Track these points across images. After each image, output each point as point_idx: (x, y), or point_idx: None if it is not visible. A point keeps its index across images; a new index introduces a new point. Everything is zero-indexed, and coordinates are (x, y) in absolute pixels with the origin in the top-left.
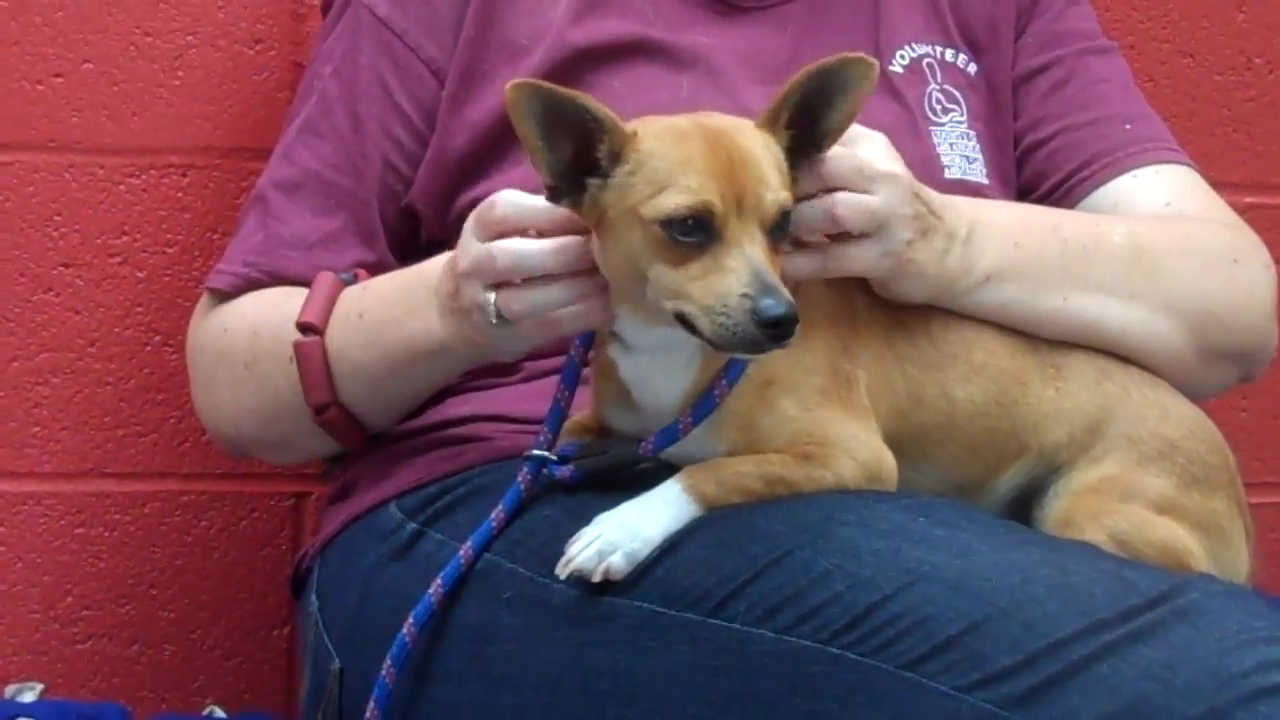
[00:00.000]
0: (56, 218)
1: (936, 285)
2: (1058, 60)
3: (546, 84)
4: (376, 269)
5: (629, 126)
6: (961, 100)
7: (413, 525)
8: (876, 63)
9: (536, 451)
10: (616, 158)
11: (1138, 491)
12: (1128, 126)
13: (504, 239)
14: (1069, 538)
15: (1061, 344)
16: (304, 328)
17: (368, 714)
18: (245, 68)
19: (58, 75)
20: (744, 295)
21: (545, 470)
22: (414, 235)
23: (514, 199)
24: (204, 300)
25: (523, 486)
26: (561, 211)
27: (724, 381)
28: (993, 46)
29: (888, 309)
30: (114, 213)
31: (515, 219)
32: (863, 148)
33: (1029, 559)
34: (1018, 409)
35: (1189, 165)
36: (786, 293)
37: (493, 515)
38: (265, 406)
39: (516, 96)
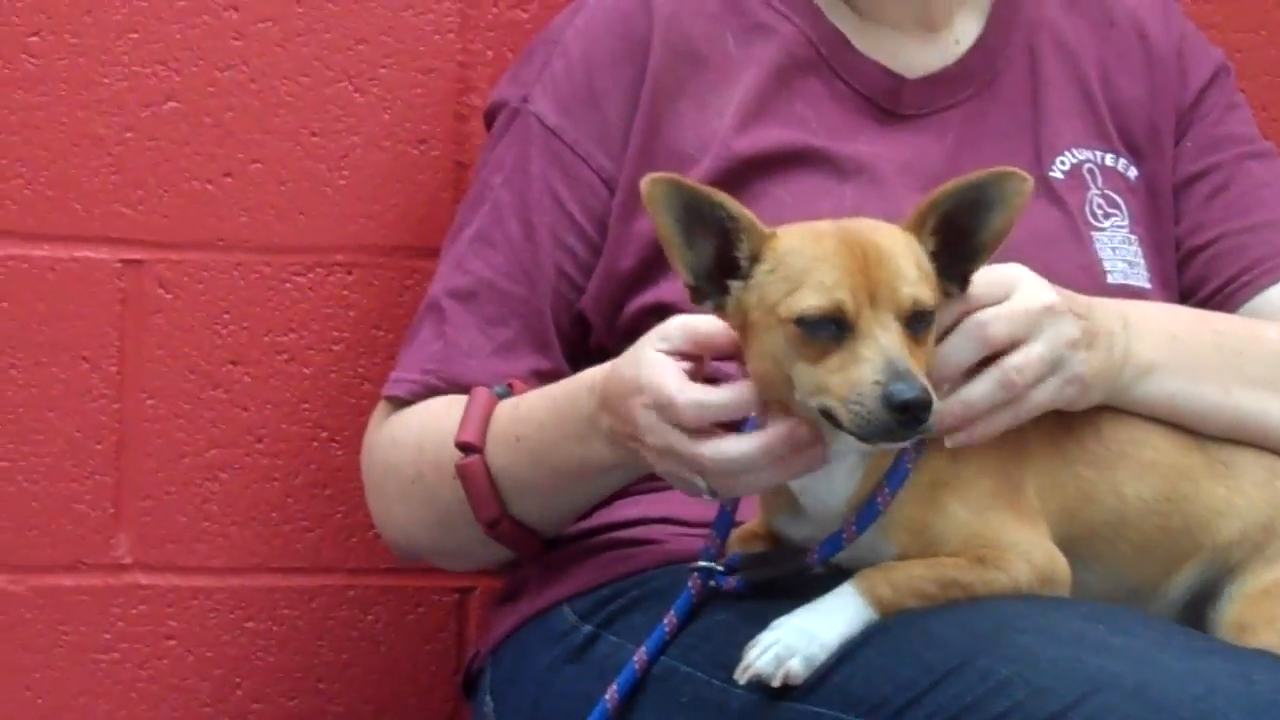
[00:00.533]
0: (225, 315)
1: (1106, 385)
2: (1218, 165)
3: (684, 179)
4: (552, 377)
5: (769, 229)
6: (1123, 205)
7: (588, 628)
8: (1030, 179)
9: (703, 562)
10: (756, 258)
11: None
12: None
13: (708, 439)
14: (1247, 644)
15: (1228, 442)
16: (463, 446)
17: None
18: (409, 168)
19: (227, 175)
20: (876, 382)
21: (713, 581)
22: (584, 342)
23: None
24: (380, 408)
25: (694, 592)
26: (731, 332)
27: (887, 489)
28: (1153, 151)
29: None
30: (280, 311)
31: (703, 344)
32: (1018, 296)
33: (1211, 668)
34: (1189, 505)
35: None
36: (921, 378)
37: (665, 620)
38: (436, 519)
39: (654, 191)
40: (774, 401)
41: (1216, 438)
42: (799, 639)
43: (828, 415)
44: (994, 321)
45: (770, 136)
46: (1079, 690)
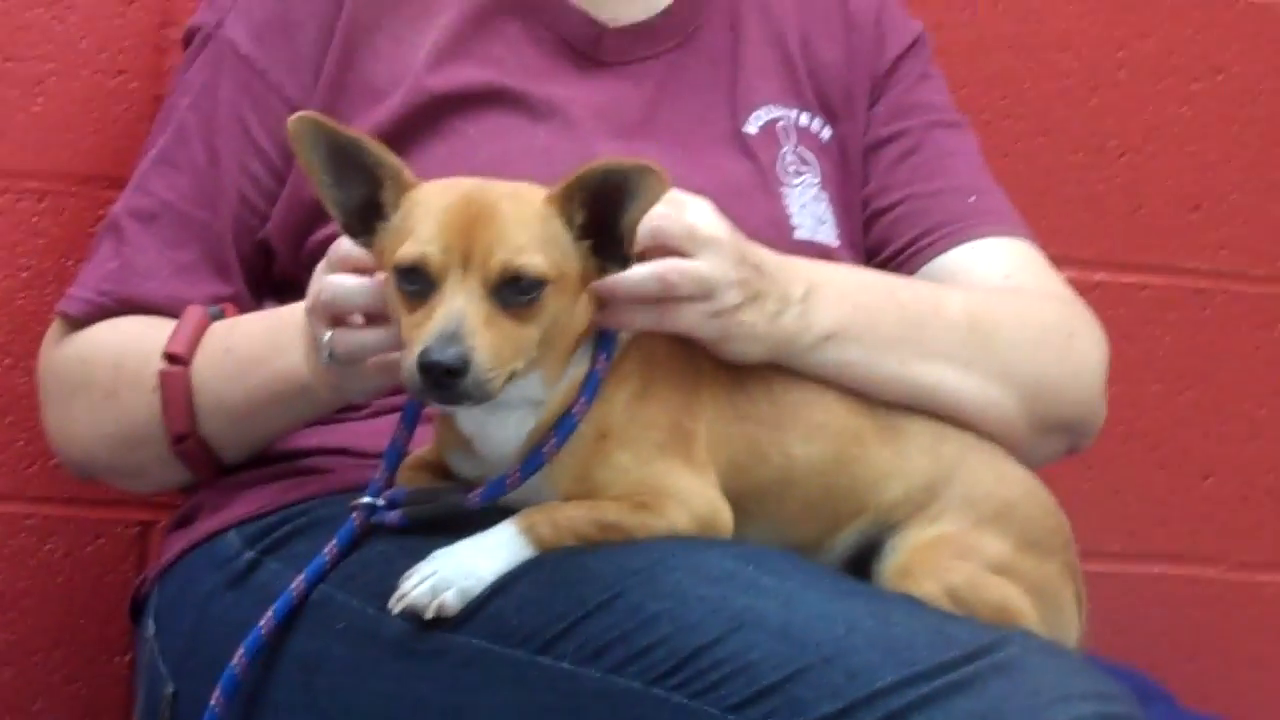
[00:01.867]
0: None
1: (771, 345)
2: (907, 130)
3: (328, 121)
4: (232, 302)
5: (414, 180)
6: (815, 164)
7: (250, 554)
8: (668, 178)
9: (365, 499)
10: (395, 205)
11: (975, 551)
12: (971, 199)
13: (338, 274)
14: (899, 590)
15: (900, 408)
16: (170, 357)
17: None
18: (105, 98)
19: None
20: (423, 342)
21: (374, 516)
22: (266, 269)
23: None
24: (55, 326)
25: (356, 525)
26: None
27: (554, 439)
28: (847, 114)
29: (732, 367)
30: None
31: (355, 260)
32: (690, 212)
33: (854, 609)
34: (856, 467)
35: (1029, 240)
36: (466, 347)
37: (326, 550)
38: (123, 435)
39: (298, 129)
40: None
41: (890, 404)
42: (455, 572)
43: None
44: (669, 224)
45: (464, 74)
46: (725, 626)
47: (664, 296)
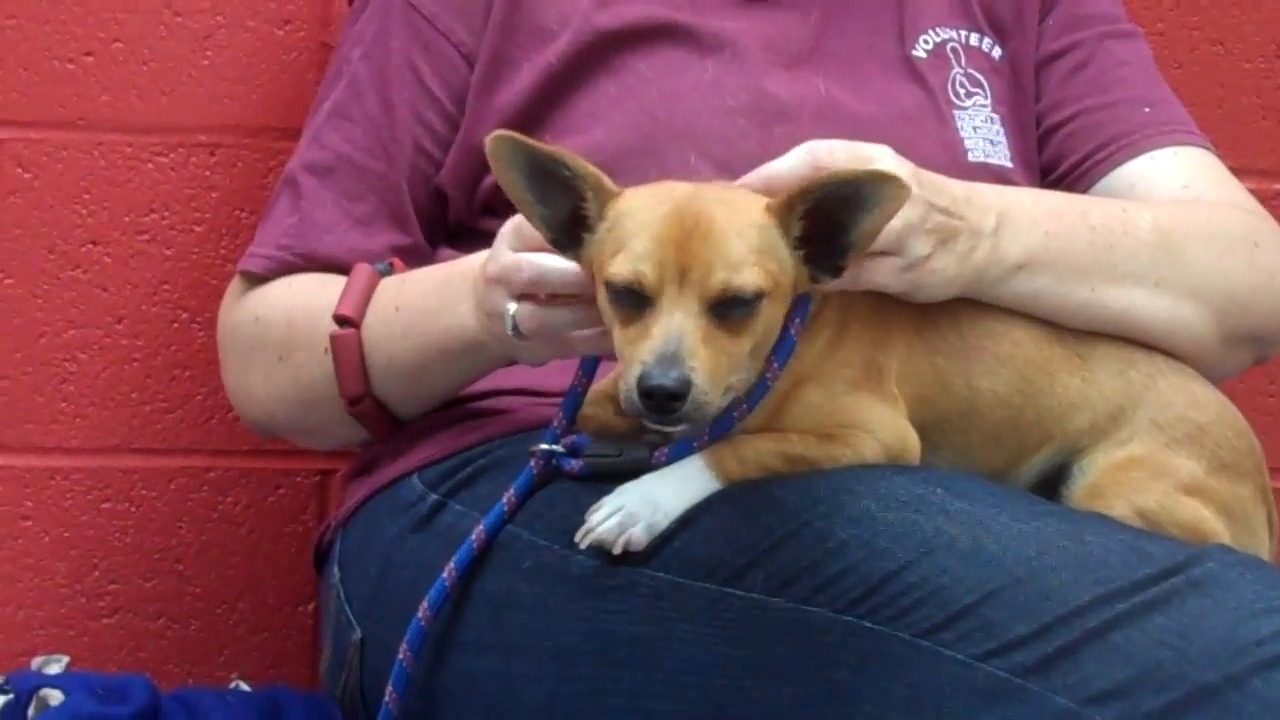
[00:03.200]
0: (85, 195)
1: (964, 284)
2: (1079, 43)
3: (526, 139)
4: (410, 252)
5: (617, 187)
6: (985, 84)
7: (434, 497)
8: (910, 187)
9: (545, 446)
10: (601, 214)
11: (1167, 471)
12: (1147, 109)
13: (535, 253)
14: (1091, 509)
15: (1088, 334)
16: (340, 320)
17: (386, 697)
18: (274, 48)
19: (88, 54)
20: (643, 362)
21: (554, 462)
22: (442, 216)
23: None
24: (236, 283)
25: (535, 472)
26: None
27: (745, 405)
28: (1017, 30)
29: None
30: (142, 191)
31: (538, 240)
32: (876, 166)
33: (1045, 529)
34: (1043, 399)
35: (1208, 148)
36: (687, 369)
37: (504, 498)
38: (299, 396)
39: (497, 148)
40: None
41: (1077, 331)
42: (642, 506)
43: None
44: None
45: (631, 11)
46: (914, 551)
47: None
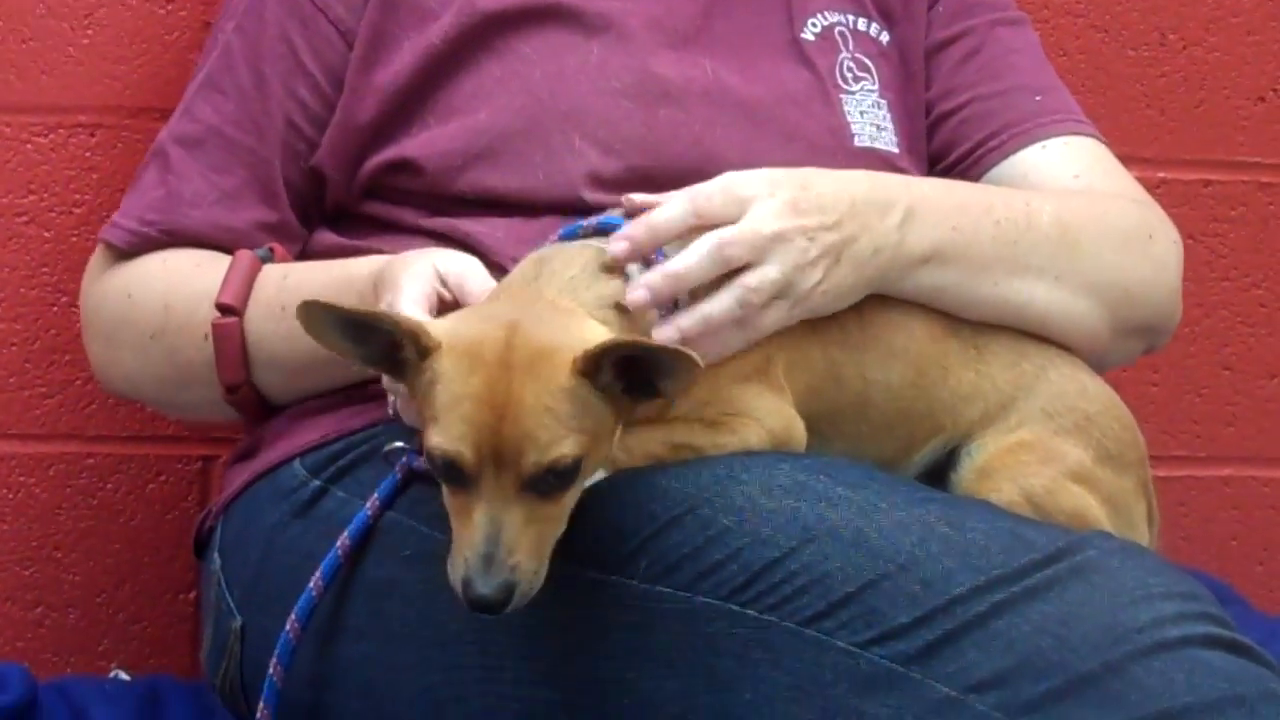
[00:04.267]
0: None
1: (866, 287)
2: (970, 30)
3: (335, 305)
4: (277, 229)
5: (435, 339)
6: (873, 69)
7: (316, 483)
8: (700, 362)
9: (398, 444)
10: (425, 358)
11: (1055, 457)
12: (1038, 98)
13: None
14: (977, 493)
15: (985, 326)
16: (222, 308)
17: (270, 670)
18: (156, 27)
19: None
20: (464, 559)
21: (405, 460)
22: (318, 198)
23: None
24: (99, 254)
25: (399, 473)
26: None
27: None
28: (906, 16)
29: None
30: (20, 171)
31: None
32: (752, 216)
33: (927, 516)
34: (935, 391)
35: (1097, 138)
36: (507, 571)
37: (368, 502)
38: (172, 376)
39: (307, 319)
40: None
41: (975, 323)
42: None
43: None
44: (732, 244)
45: None
46: (797, 538)
47: (746, 313)
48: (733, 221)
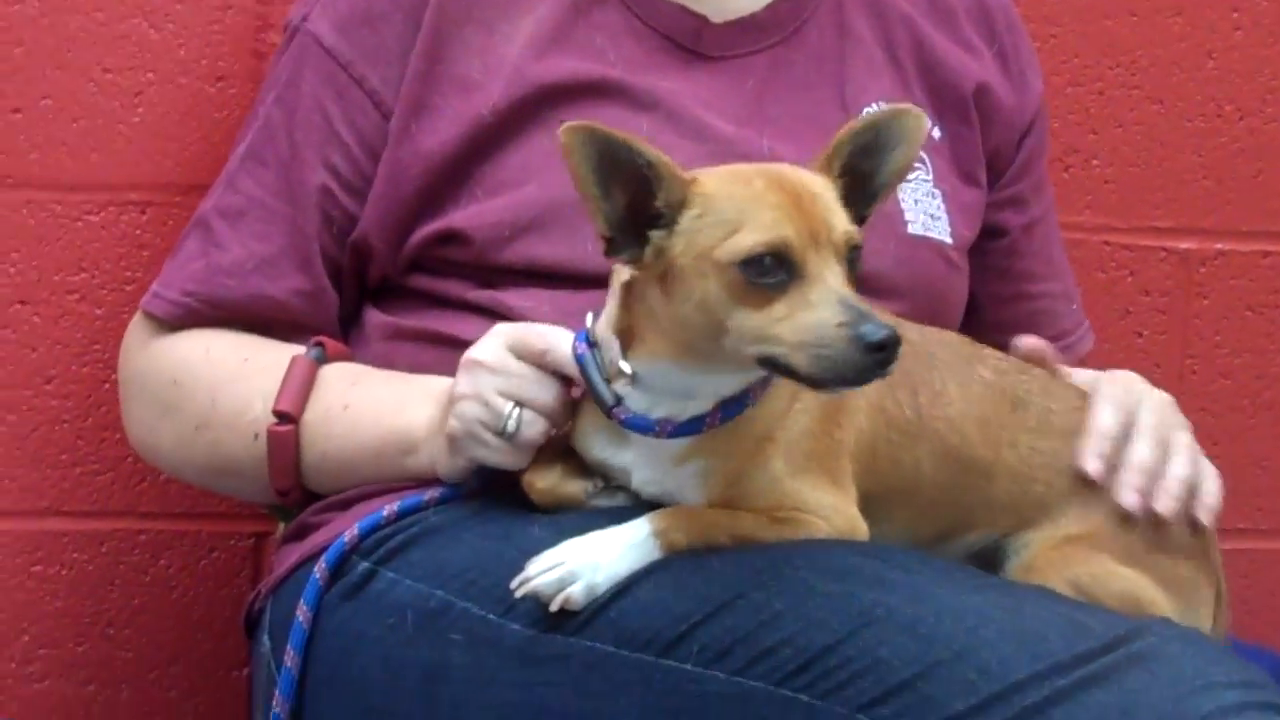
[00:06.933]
0: (14, 254)
1: None
2: (1045, 213)
3: (601, 126)
4: (312, 297)
5: (688, 173)
6: (927, 160)
7: (365, 564)
8: (926, 116)
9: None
10: (680, 204)
11: (1101, 547)
12: (1074, 305)
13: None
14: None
15: (1042, 431)
16: (280, 415)
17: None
18: (206, 105)
19: (16, 111)
20: (840, 324)
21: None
22: (359, 271)
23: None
24: (139, 322)
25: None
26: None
27: (720, 414)
28: (960, 118)
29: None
30: (72, 249)
31: (555, 362)
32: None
33: (983, 602)
34: (976, 494)
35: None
36: (884, 317)
37: (385, 510)
38: (216, 467)
39: (571, 140)
40: (686, 354)
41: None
42: (584, 566)
43: (772, 363)
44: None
45: (567, 66)
46: (852, 623)
47: None
48: None
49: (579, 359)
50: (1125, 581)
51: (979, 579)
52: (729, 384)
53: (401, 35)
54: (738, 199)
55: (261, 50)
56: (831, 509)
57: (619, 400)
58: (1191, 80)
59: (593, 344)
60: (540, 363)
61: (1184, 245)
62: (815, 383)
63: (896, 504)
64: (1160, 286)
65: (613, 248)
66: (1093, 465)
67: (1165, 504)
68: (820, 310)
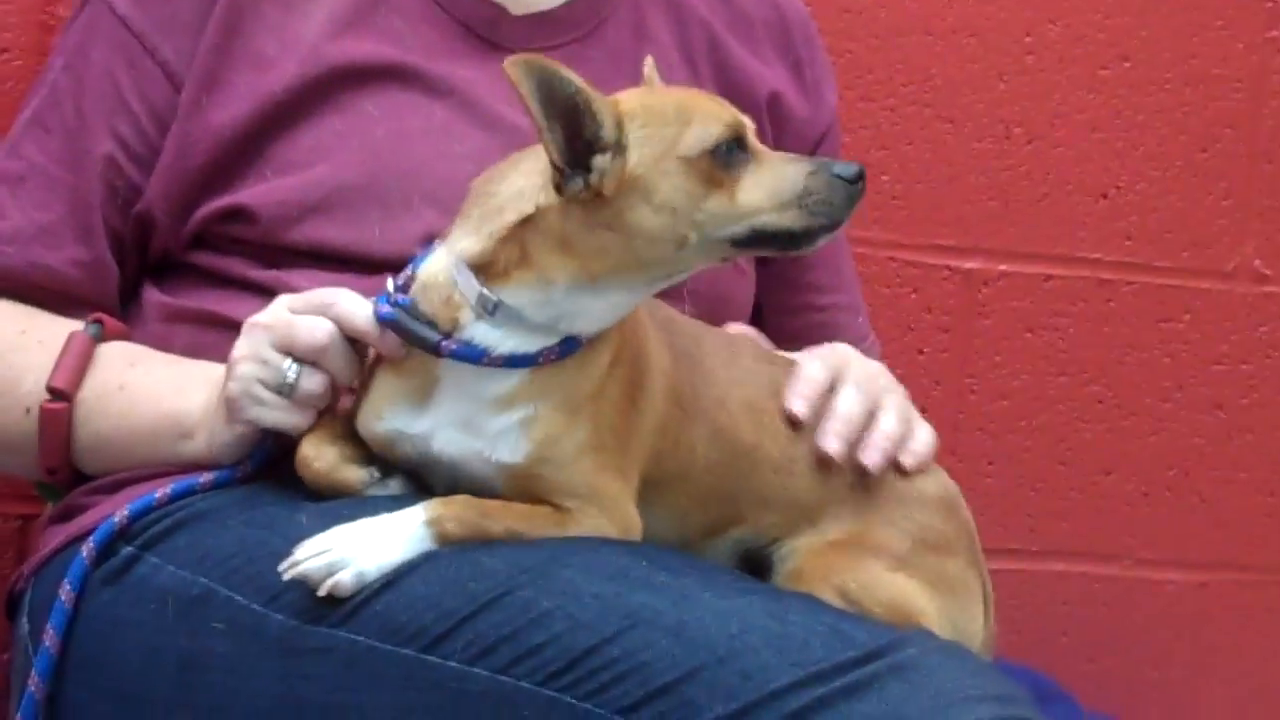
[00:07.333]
0: None
1: None
2: None
3: (541, 57)
4: (91, 266)
5: (608, 97)
6: None
7: (129, 549)
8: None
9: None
10: (617, 125)
11: (866, 552)
12: (860, 319)
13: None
14: (795, 590)
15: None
16: (53, 391)
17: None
18: None
19: None
20: (812, 173)
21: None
22: (141, 244)
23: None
24: None
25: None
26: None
27: (556, 351)
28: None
29: (690, 347)
30: None
31: (350, 322)
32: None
33: (749, 607)
34: (741, 482)
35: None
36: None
37: (158, 494)
38: None
39: (518, 72)
40: (640, 269)
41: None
42: (355, 552)
43: (755, 237)
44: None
45: (363, 48)
46: (618, 625)
47: None
48: None
49: (384, 317)
50: (892, 589)
51: (746, 583)
52: (622, 304)
53: (197, 7)
54: (671, 102)
55: (49, 23)
56: (613, 503)
57: (447, 334)
58: (981, 101)
59: (395, 303)
60: (324, 315)
61: (968, 265)
62: (804, 236)
63: (673, 489)
64: (943, 305)
65: (564, 180)
66: (833, 446)
67: (870, 456)
68: (787, 169)
